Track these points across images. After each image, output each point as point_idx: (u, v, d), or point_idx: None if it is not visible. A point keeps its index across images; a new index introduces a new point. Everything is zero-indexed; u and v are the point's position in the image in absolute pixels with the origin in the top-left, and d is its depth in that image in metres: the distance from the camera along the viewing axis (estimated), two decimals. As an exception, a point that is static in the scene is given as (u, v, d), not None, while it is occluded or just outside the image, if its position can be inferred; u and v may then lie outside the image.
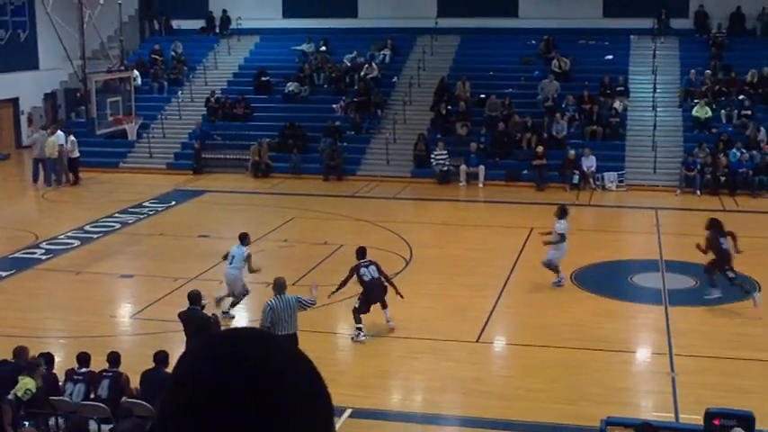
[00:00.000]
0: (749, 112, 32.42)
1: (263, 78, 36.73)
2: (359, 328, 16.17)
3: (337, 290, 16.64)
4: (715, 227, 18.14)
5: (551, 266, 19.16)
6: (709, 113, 32.38)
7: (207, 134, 33.99)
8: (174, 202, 28.37)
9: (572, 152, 30.57)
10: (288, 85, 36.24)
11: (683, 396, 13.74)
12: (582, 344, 16.14)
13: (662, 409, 13.49)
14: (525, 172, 30.88)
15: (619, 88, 34.15)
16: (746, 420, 10.41)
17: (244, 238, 17.54)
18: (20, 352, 12.60)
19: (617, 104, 33.36)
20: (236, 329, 1.86)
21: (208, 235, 23.80)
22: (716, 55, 35.33)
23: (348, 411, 13.07)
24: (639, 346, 16.75)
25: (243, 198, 29.33)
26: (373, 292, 16.45)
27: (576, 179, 30.20)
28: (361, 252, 17.02)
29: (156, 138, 35.01)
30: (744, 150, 30.35)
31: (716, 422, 10.58)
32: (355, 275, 16.59)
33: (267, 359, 1.74)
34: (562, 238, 19.16)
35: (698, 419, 10.98)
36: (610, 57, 36.52)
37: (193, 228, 24.86)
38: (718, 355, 15.58)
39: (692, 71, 34.16)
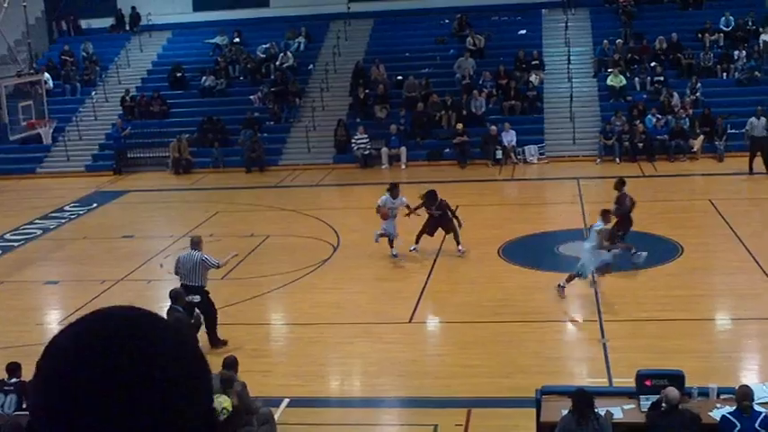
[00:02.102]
0: (661, 79, 33.00)
1: (178, 74, 36.35)
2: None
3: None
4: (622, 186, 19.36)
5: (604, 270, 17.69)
6: (624, 82, 32.88)
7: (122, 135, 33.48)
8: (95, 204, 27.95)
9: (492, 128, 30.82)
10: (203, 79, 35.91)
11: (615, 361, 13.95)
12: (514, 317, 16.29)
13: (596, 375, 13.67)
14: (447, 150, 31.05)
15: (534, 62, 34.47)
16: (677, 379, 10.59)
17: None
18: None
19: (533, 78, 33.69)
20: (107, 313, 1.67)
21: (132, 235, 23.55)
22: (626, 24, 35.85)
23: (286, 401, 13.02)
24: (570, 315, 16.92)
25: (166, 196, 29.05)
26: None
27: (498, 154, 30.43)
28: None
29: (73, 140, 34.45)
30: (659, 116, 30.88)
31: (647, 383, 10.76)
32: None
33: (137, 348, 1.62)
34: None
35: (630, 382, 11.14)
36: (523, 31, 36.82)
37: (117, 229, 24.53)
38: (645, 318, 15.84)
39: (605, 41, 34.64)
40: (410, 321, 16.35)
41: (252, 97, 34.64)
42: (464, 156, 30.52)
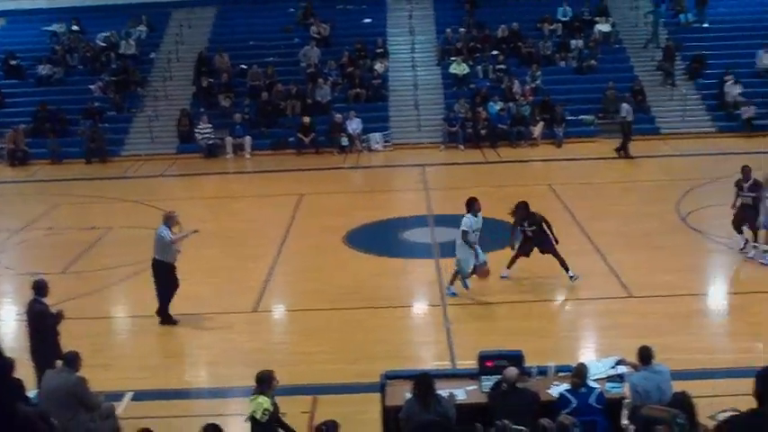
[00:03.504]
0: (503, 67, 33.70)
1: (13, 62, 35.11)
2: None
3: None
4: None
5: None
6: (467, 70, 33.43)
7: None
8: (-74, 201, 26.77)
9: (338, 116, 30.87)
10: (40, 67, 34.78)
11: (459, 344, 14.17)
12: (360, 304, 16.35)
13: (440, 359, 13.83)
14: (292, 139, 30.92)
15: (378, 50, 34.70)
16: (516, 359, 10.81)
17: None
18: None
19: (378, 66, 33.89)
20: None
21: (-34, 230, 22.65)
22: (469, 13, 36.42)
23: (129, 395, 12.77)
24: (415, 301, 17.09)
25: (0, 188, 28.01)
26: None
27: (344, 141, 30.48)
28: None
29: None
30: (501, 103, 31.51)
31: (488, 364, 10.94)
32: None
33: None
34: None
35: (473, 364, 11.31)
36: (368, 20, 37.00)
37: (-51, 224, 23.55)
38: (488, 302, 16.14)
39: (448, 30, 35.15)
40: (255, 311, 16.23)
41: (92, 87, 33.71)
42: (310, 145, 30.46)
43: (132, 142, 31.99)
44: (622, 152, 28.43)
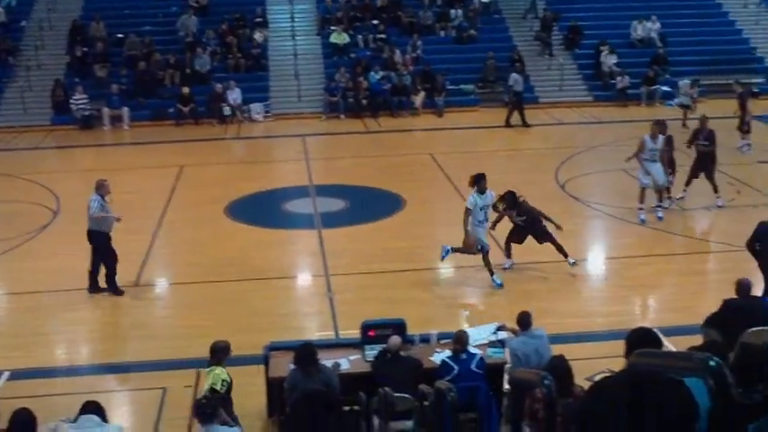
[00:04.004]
0: (384, 36, 33.71)
1: None
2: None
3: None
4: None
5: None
6: (347, 39, 33.36)
7: None
8: None
9: (218, 86, 30.48)
10: None
11: (342, 313, 14.22)
12: (243, 275, 16.25)
13: (323, 329, 13.85)
14: (171, 110, 30.39)
15: (258, 19, 34.33)
16: (399, 328, 10.91)
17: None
18: None
19: (257, 36, 33.55)
20: None
21: None
22: (349, -18, 36.28)
23: (6, 374, 12.46)
24: (298, 271, 17.07)
25: None
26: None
27: (227, 111, 30.10)
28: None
29: None
30: (382, 73, 31.55)
31: (371, 333, 11.02)
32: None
33: None
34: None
35: (357, 333, 11.37)
36: (247, -11, 36.52)
37: None
38: (370, 271, 16.22)
39: (327, -1, 34.95)
40: (137, 285, 15.97)
41: (-40, 56, 32.55)
42: (189, 115, 30.01)
43: (4, 113, 30.97)
44: (516, 121, 28.74)
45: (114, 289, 15.47)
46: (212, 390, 9.62)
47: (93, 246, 15.47)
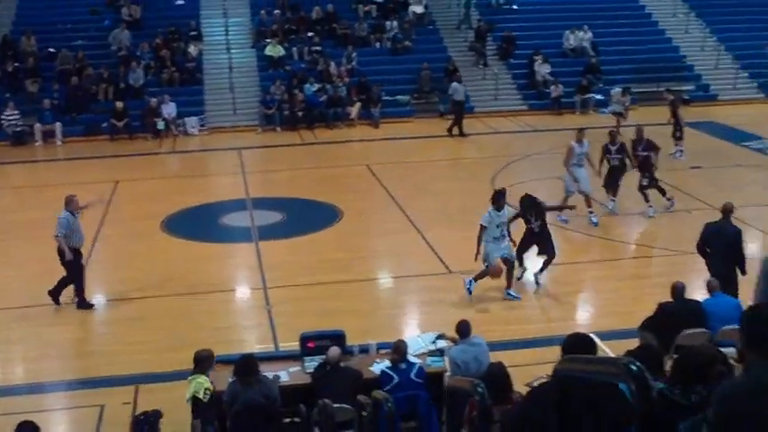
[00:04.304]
0: (319, 48, 33.71)
1: None
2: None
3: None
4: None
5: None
6: (282, 52, 33.30)
7: None
8: None
9: (153, 100, 30.22)
10: None
11: (281, 325, 14.19)
12: (181, 290, 16.12)
13: (263, 341, 13.83)
14: (105, 125, 30.05)
15: (192, 33, 34.13)
16: (338, 339, 10.92)
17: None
18: None
19: (191, 49, 33.34)
20: None
21: None
22: (283, -6, 36.25)
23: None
24: (237, 285, 16.97)
25: None
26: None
27: (161, 125, 29.85)
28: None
29: None
30: (317, 85, 31.55)
31: (310, 345, 11.01)
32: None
33: None
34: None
35: (296, 345, 11.34)
36: (181, 2, 36.31)
37: None
38: (308, 283, 16.18)
39: (262, 12, 34.86)
40: (73, 301, 15.74)
41: None
42: (123, 130, 29.71)
43: (-67, 130, 30.42)
44: (456, 131, 28.89)
45: (84, 304, 15.41)
46: (194, 398, 9.63)
47: (64, 262, 15.29)
